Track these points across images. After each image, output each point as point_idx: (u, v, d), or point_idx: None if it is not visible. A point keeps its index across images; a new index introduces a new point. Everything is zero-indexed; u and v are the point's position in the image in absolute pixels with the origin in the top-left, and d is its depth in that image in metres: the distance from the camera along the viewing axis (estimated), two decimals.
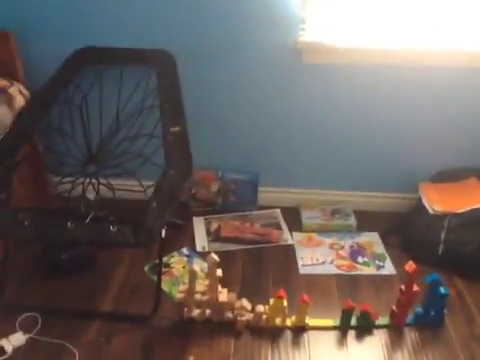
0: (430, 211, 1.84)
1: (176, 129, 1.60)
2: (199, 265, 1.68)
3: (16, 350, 1.44)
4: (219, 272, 1.48)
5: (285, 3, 1.72)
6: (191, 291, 1.50)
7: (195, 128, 1.73)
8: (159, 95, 1.67)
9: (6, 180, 1.55)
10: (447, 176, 1.98)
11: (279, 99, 1.95)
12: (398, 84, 1.88)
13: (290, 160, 2.09)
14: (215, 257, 1.45)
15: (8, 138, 1.61)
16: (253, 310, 1.53)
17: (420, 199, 1.93)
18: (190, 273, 1.46)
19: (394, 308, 1.53)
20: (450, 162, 1.99)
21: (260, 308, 1.53)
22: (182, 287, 1.52)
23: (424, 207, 1.88)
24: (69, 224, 1.46)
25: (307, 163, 2.09)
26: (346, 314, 1.51)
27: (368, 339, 1.51)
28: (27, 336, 1.48)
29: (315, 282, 1.71)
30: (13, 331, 1.48)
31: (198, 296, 1.52)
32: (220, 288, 1.52)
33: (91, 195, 2.03)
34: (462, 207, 1.81)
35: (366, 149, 2.03)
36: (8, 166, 1.59)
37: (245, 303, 1.53)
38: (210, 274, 1.47)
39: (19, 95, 1.72)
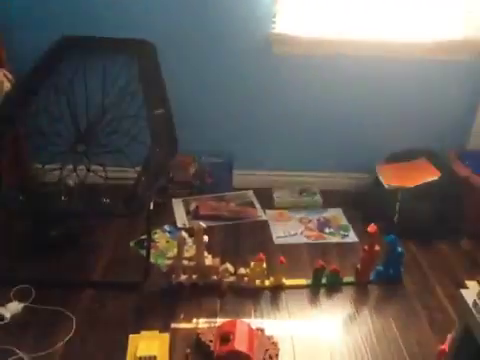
0: (386, 186, 2.08)
1: (160, 111, 1.74)
2: None
3: (13, 317, 1.52)
4: (205, 238, 1.64)
5: None
6: (179, 257, 1.64)
7: (173, 115, 1.87)
8: (141, 81, 1.80)
9: None
10: (400, 157, 2.23)
11: (251, 88, 2.13)
12: (358, 75, 2.11)
13: (261, 144, 2.27)
14: (202, 224, 1.60)
15: None
16: (236, 273, 1.70)
17: (377, 177, 2.17)
18: (179, 239, 1.60)
19: (358, 267, 1.74)
20: (402, 145, 2.25)
21: (242, 270, 1.69)
22: (170, 254, 1.66)
23: (380, 184, 2.12)
24: (63, 197, 1.56)
25: (277, 147, 2.28)
26: (318, 273, 1.70)
27: (337, 295, 1.71)
28: (23, 305, 1.56)
29: (288, 250, 1.89)
30: (9, 301, 1.57)
31: (186, 262, 1.67)
32: (206, 254, 1.68)
33: (71, 181, 2.16)
34: (413, 183, 2.07)
35: (330, 134, 2.25)
36: None
37: (229, 266, 1.69)
38: (197, 240, 1.62)
39: (5, 80, 1.79)
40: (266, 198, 2.26)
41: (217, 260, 1.70)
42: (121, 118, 1.74)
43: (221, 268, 1.69)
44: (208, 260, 1.68)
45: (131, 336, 1.29)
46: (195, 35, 1.99)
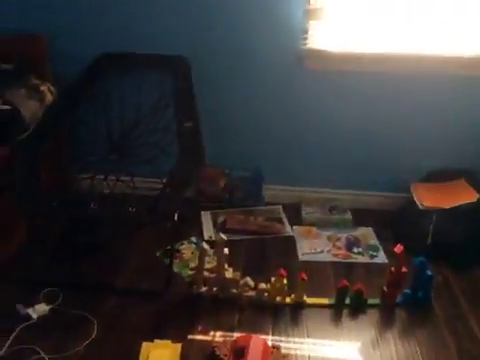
0: (420, 206, 2.00)
1: (189, 124, 1.78)
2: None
3: (40, 318, 1.59)
4: (226, 251, 1.64)
5: (289, 14, 1.93)
6: (200, 268, 1.65)
7: (204, 129, 1.90)
8: (175, 96, 1.86)
9: (36, 166, 1.72)
10: (437, 177, 2.14)
11: (282, 102, 2.14)
12: (394, 90, 2.07)
13: (292, 160, 2.26)
14: (223, 236, 1.61)
15: (38, 129, 1.80)
16: (256, 287, 1.68)
17: (411, 197, 2.10)
18: (200, 251, 1.62)
19: (385, 288, 1.68)
20: (439, 164, 2.16)
21: (262, 285, 1.68)
22: (192, 265, 1.67)
23: (414, 203, 2.04)
24: (92, 205, 1.63)
25: (308, 163, 2.26)
26: (341, 292, 1.65)
27: (361, 317, 1.65)
28: (50, 307, 1.63)
29: (313, 268, 1.85)
30: (38, 302, 1.64)
31: (206, 273, 1.68)
32: (226, 266, 1.68)
33: (106, 190, 2.24)
34: (449, 204, 1.97)
35: (363, 151, 2.20)
36: (38, 154, 1.76)
37: (249, 280, 1.68)
38: (218, 252, 1.63)
39: (49, 93, 1.91)
40: (295, 214, 2.23)
41: (238, 274, 1.70)
42: (152, 131, 1.79)
43: (241, 282, 1.68)
44: (229, 273, 1.68)
45: (144, 344, 1.31)
46: (226, 50, 2.03)
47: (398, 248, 1.60)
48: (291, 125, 2.19)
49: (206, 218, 2.20)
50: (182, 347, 1.32)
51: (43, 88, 1.86)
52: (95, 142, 1.82)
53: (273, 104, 2.14)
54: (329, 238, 2.08)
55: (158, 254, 1.94)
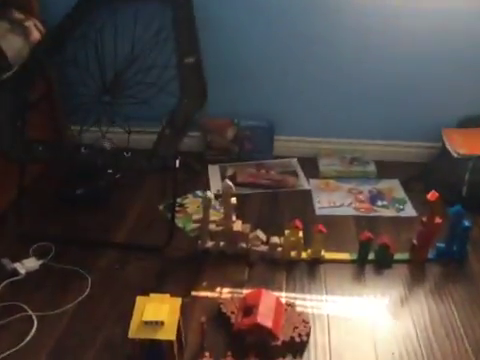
0: (454, 154, 1.77)
1: (191, 60, 1.57)
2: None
3: (29, 274, 1.44)
4: (233, 200, 1.46)
5: None
6: (205, 220, 1.47)
7: (211, 75, 1.69)
8: (174, 27, 1.64)
9: (22, 109, 1.55)
10: (472, 122, 1.91)
11: (298, 43, 1.90)
12: (423, 28, 1.80)
13: (307, 108, 2.03)
14: (229, 183, 1.42)
15: (24, 69, 1.61)
16: (268, 242, 1.50)
17: (443, 145, 1.87)
18: (204, 200, 1.44)
19: (415, 242, 1.48)
20: (474, 109, 1.92)
21: (275, 239, 1.49)
22: (196, 217, 1.50)
23: (447, 152, 1.81)
24: (83, 149, 1.45)
25: (324, 111, 2.02)
26: (364, 246, 1.46)
27: (387, 273, 1.46)
28: (40, 262, 1.48)
29: (332, 222, 1.65)
30: (27, 257, 1.49)
31: (212, 226, 1.50)
32: (234, 218, 1.50)
33: (107, 144, 2.07)
34: None
35: (386, 95, 1.95)
36: (24, 96, 1.59)
37: (260, 234, 1.50)
38: (224, 201, 1.44)
39: (35, 29, 1.71)
40: (311, 167, 2.01)
41: (247, 226, 1.51)
42: (149, 68, 1.60)
43: (251, 235, 1.50)
44: (237, 225, 1.50)
45: (138, 298, 1.15)
46: None
47: (432, 195, 1.39)
48: (308, 68, 1.94)
49: (213, 172, 2.01)
50: (183, 302, 1.16)
51: (28, 24, 1.66)
52: (87, 84, 1.63)
53: (288, 44, 1.91)
54: (350, 191, 1.87)
55: (161, 208, 1.77)
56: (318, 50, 1.91)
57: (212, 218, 1.50)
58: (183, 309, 1.19)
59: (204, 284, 1.41)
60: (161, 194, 1.80)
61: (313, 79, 1.97)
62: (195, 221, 1.49)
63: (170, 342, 1.08)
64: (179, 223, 1.68)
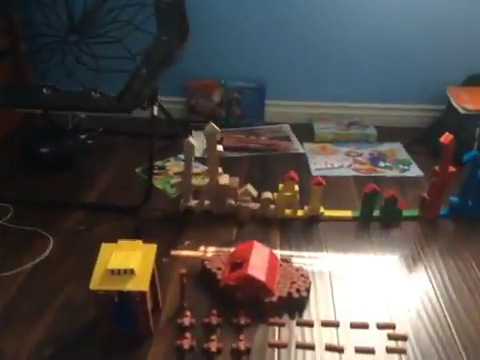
0: (461, 111, 1.62)
1: None
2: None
3: None
4: (220, 148, 1.27)
5: None
6: (187, 172, 1.28)
7: (197, 32, 1.52)
8: None
9: None
10: (477, 79, 1.76)
11: (288, 2, 1.75)
12: None
13: (300, 69, 1.86)
14: (214, 126, 1.24)
15: None
16: (259, 198, 1.32)
17: (448, 104, 1.72)
18: (186, 147, 1.25)
19: (425, 195, 1.31)
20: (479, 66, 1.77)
21: (267, 195, 1.31)
22: (176, 169, 1.31)
23: (454, 109, 1.66)
24: (45, 90, 1.26)
25: (319, 73, 1.86)
26: (369, 200, 1.28)
27: (395, 231, 1.28)
28: None
29: (331, 182, 1.46)
30: None
31: (196, 181, 1.31)
32: (221, 170, 1.31)
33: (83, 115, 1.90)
34: None
35: (385, 55, 1.80)
36: None
37: (250, 189, 1.31)
38: (209, 148, 1.26)
39: None
40: (305, 133, 1.84)
41: (235, 180, 1.33)
42: (123, 7, 1.42)
43: (240, 191, 1.32)
44: (224, 179, 1.31)
45: (104, 245, 0.95)
46: None
47: (445, 137, 1.22)
48: (299, 27, 1.78)
49: (198, 137, 1.83)
50: (161, 262, 0.97)
51: None
52: (53, 25, 1.45)
53: (277, 2, 1.76)
54: (348, 154, 1.70)
55: (137, 170, 1.58)
56: (313, 8, 1.75)
57: (195, 171, 1.32)
58: (161, 270, 1.00)
59: (186, 243, 1.21)
60: (137, 158, 1.61)
61: (306, 38, 1.81)
62: (176, 174, 1.30)
63: (142, 294, 0.88)
64: (159, 185, 1.49)
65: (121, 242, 0.94)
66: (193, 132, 1.84)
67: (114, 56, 1.29)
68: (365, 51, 1.82)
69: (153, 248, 0.94)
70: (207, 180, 1.29)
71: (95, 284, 0.88)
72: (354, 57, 1.83)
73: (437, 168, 1.27)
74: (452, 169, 1.26)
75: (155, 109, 1.33)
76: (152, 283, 0.94)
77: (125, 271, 0.88)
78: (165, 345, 0.92)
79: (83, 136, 1.70)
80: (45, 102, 1.22)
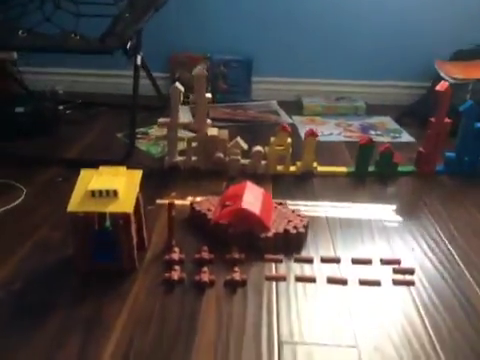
0: (450, 81, 1.61)
1: None
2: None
3: None
4: (209, 95, 1.21)
5: None
6: (173, 120, 1.21)
7: (183, 4, 1.49)
8: None
9: None
10: (466, 55, 1.76)
11: None
12: None
13: (287, 45, 1.84)
14: (203, 68, 1.18)
15: None
16: (250, 152, 1.25)
17: (437, 76, 1.70)
18: (172, 92, 1.17)
19: (421, 149, 1.26)
20: (469, 41, 1.78)
21: (258, 148, 1.24)
22: (161, 120, 1.23)
23: (443, 80, 1.65)
24: (20, 33, 1.18)
25: (308, 49, 1.84)
26: (364, 151, 1.23)
27: (391, 185, 1.22)
28: None
29: (323, 147, 1.41)
30: None
31: (182, 134, 1.24)
32: (209, 122, 1.25)
33: (60, 89, 1.83)
34: None
35: (376, 33, 1.80)
36: None
37: (240, 141, 1.24)
38: (197, 93, 1.19)
39: None
40: (294, 108, 1.81)
41: (225, 132, 1.26)
42: None
43: (230, 144, 1.25)
44: (212, 130, 1.24)
45: (83, 170, 0.86)
46: None
47: (441, 85, 1.19)
48: (288, 3, 1.77)
49: (184, 111, 1.75)
50: (146, 209, 0.89)
51: None
52: None
53: None
54: (338, 125, 1.66)
55: (119, 135, 1.50)
56: None
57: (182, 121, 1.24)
58: (146, 217, 0.92)
59: (172, 194, 1.13)
60: (119, 126, 1.53)
61: (294, 15, 1.79)
62: (160, 124, 1.22)
63: (126, 217, 0.79)
64: (142, 147, 1.41)
65: (103, 168, 0.86)
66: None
67: (94, 1, 1.23)
68: (353, 28, 1.80)
69: (138, 173, 0.85)
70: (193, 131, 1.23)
71: (73, 206, 0.79)
72: (342, 34, 1.82)
73: (433, 119, 1.23)
74: (448, 120, 1.22)
75: (139, 58, 1.27)
76: (137, 217, 0.85)
77: (107, 192, 0.79)
78: (151, 279, 0.83)
79: (61, 107, 1.65)
80: (20, 43, 1.14)
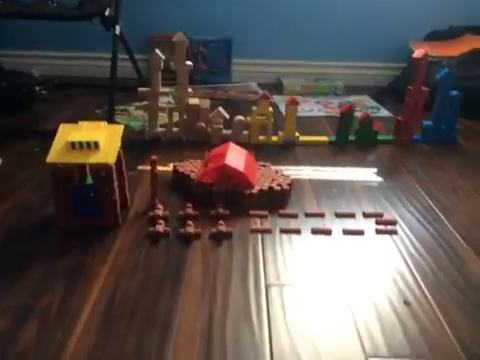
0: None
1: None
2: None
3: None
4: (189, 63, 1.21)
5: None
6: (153, 91, 1.19)
7: None
8: None
9: None
10: (440, 35, 1.81)
11: None
12: None
13: (268, 27, 1.86)
14: (183, 34, 1.17)
15: None
16: (231, 121, 1.25)
17: (411, 60, 1.74)
18: (152, 59, 1.16)
19: (400, 118, 1.29)
20: (443, 22, 1.83)
21: (240, 117, 1.24)
22: (142, 89, 1.21)
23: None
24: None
25: (287, 31, 1.86)
26: (345, 120, 1.24)
27: (371, 151, 1.24)
28: None
29: (303, 122, 1.41)
30: None
31: (163, 103, 1.23)
32: (190, 90, 1.24)
33: (36, 72, 1.80)
34: (458, 52, 1.64)
35: (353, 15, 1.83)
36: None
37: (222, 111, 1.24)
38: (178, 59, 1.18)
39: None
40: (274, 90, 1.81)
41: (207, 101, 1.26)
42: None
43: (212, 113, 1.24)
44: (193, 99, 1.24)
45: (62, 125, 0.84)
46: None
47: (418, 52, 1.22)
48: None
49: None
50: (127, 174, 0.87)
51: None
52: None
53: None
54: (318, 102, 1.68)
55: (98, 111, 1.47)
56: None
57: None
58: (129, 181, 0.90)
59: (154, 157, 1.11)
60: (97, 104, 1.51)
61: None
62: (140, 94, 1.20)
63: (108, 168, 0.77)
64: (121, 120, 1.39)
65: (83, 122, 0.84)
66: None
67: None
68: (330, 12, 1.83)
69: (120, 127, 0.84)
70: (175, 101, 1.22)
71: (52, 157, 0.77)
72: (320, 17, 1.84)
73: (410, 88, 1.26)
74: (425, 88, 1.25)
75: (117, 29, 1.25)
76: (118, 173, 0.84)
77: (88, 144, 0.77)
78: (136, 233, 0.82)
79: (38, 87, 1.61)
80: None
